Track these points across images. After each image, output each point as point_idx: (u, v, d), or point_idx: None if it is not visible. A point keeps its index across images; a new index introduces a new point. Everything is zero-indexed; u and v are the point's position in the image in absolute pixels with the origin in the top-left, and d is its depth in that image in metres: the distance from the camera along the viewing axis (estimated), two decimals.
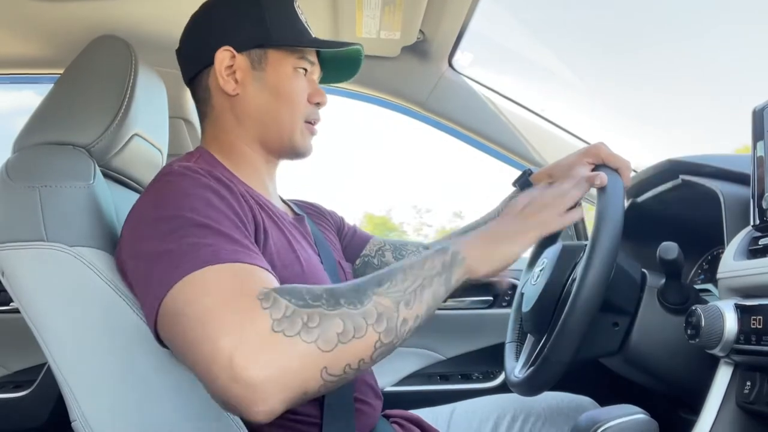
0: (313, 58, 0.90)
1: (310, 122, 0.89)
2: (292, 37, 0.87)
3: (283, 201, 0.97)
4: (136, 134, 0.89)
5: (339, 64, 0.96)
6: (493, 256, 0.71)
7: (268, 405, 0.53)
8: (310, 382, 0.55)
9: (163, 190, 0.70)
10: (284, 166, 0.94)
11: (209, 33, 0.86)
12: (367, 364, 0.59)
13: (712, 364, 0.80)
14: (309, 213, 1.01)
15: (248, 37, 0.85)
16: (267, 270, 0.64)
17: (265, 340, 0.54)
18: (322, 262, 0.86)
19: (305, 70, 0.88)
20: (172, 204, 0.67)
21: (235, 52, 0.84)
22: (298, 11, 0.90)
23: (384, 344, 0.59)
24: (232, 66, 0.84)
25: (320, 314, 0.57)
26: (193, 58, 0.88)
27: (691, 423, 0.79)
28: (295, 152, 0.89)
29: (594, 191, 0.92)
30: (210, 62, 0.85)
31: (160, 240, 0.64)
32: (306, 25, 0.90)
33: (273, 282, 0.62)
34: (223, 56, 0.84)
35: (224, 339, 0.54)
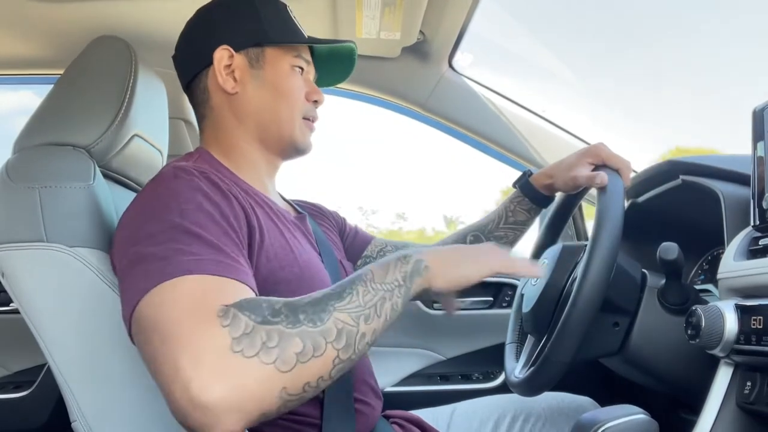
0: (309, 57, 0.92)
1: (309, 119, 0.90)
2: (289, 35, 0.88)
3: (285, 200, 0.97)
4: (136, 135, 0.89)
5: (333, 66, 0.97)
6: (455, 272, 0.68)
7: (224, 427, 0.52)
8: (267, 403, 0.54)
9: (155, 191, 0.69)
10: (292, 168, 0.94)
11: (207, 34, 0.87)
12: (326, 381, 0.58)
13: (713, 364, 0.80)
14: (311, 213, 1.01)
15: (245, 36, 0.86)
16: (246, 284, 0.62)
17: (223, 361, 0.52)
18: (323, 261, 0.86)
19: (301, 69, 0.89)
20: (162, 206, 0.66)
21: (233, 51, 0.85)
22: (291, 14, 0.92)
23: (342, 360, 0.58)
24: (230, 65, 0.85)
25: (279, 332, 0.55)
26: (192, 60, 0.88)
27: (692, 423, 0.79)
28: (296, 148, 0.90)
29: (594, 191, 0.92)
30: (208, 63, 0.86)
31: (145, 242, 0.63)
32: (299, 26, 0.91)
33: (246, 296, 0.61)
34: (222, 55, 0.85)
35: (183, 358, 0.52)
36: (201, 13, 0.90)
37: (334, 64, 0.97)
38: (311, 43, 0.90)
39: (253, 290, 0.63)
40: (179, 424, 0.62)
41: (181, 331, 0.54)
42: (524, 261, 0.75)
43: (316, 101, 0.90)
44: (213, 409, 0.51)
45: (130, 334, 0.63)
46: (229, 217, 0.68)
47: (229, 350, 0.53)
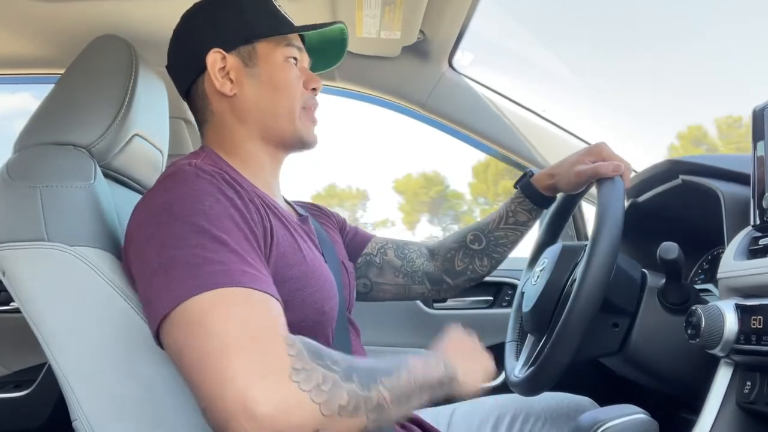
0: (300, 45, 0.90)
1: (309, 108, 0.89)
2: (277, 26, 0.88)
3: (287, 202, 0.97)
4: (136, 134, 0.89)
5: (326, 50, 0.96)
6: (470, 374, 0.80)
7: None
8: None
9: (175, 189, 0.69)
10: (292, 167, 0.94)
11: (195, 40, 0.86)
12: None
13: (713, 364, 0.80)
14: (312, 213, 1.01)
15: (234, 35, 0.85)
16: (273, 296, 0.65)
17: (283, 384, 0.57)
18: (326, 262, 0.86)
19: (295, 59, 0.88)
20: (187, 207, 0.67)
21: (224, 52, 0.84)
22: (276, 4, 0.90)
23: (367, 428, 0.63)
24: (224, 67, 0.84)
25: (334, 380, 0.60)
26: (185, 68, 0.87)
27: (692, 423, 0.79)
28: (301, 142, 0.89)
29: (594, 191, 0.92)
30: (202, 68, 0.85)
31: (174, 245, 0.64)
32: (286, 15, 0.90)
33: (281, 309, 0.65)
34: (214, 58, 0.84)
35: (242, 368, 0.57)
36: (186, 19, 0.89)
37: (327, 48, 0.96)
38: (300, 31, 0.89)
39: (277, 299, 0.66)
40: (185, 421, 0.63)
41: (241, 343, 0.58)
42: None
43: (314, 89, 0.89)
44: (259, 422, 0.55)
45: (156, 334, 0.65)
46: (249, 221, 0.70)
47: (288, 376, 0.57)
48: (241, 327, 0.59)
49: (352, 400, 0.60)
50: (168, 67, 0.90)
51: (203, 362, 0.59)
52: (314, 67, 0.96)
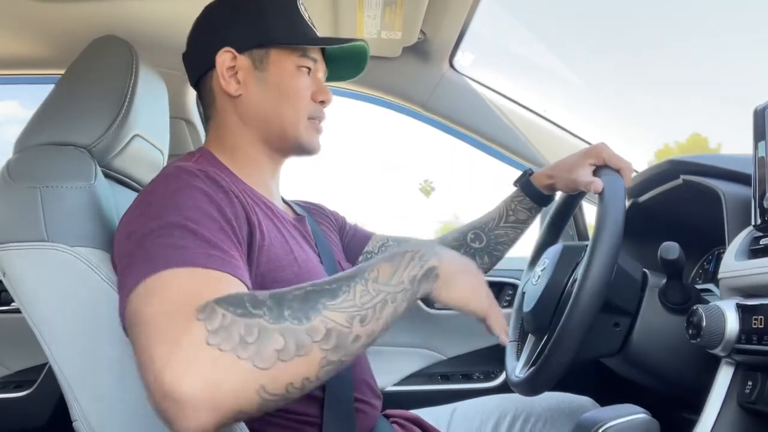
0: (317, 55, 0.90)
1: (315, 119, 0.88)
2: (294, 35, 0.87)
3: (285, 201, 0.97)
4: (137, 135, 0.89)
5: (345, 61, 0.96)
6: (460, 292, 0.66)
7: (196, 422, 0.50)
8: (244, 400, 0.51)
9: (155, 192, 0.69)
10: (292, 166, 0.94)
11: (210, 35, 0.86)
12: (312, 383, 0.55)
13: (714, 363, 0.80)
14: (311, 213, 1.01)
15: (248, 37, 0.85)
16: (238, 278, 0.61)
17: (198, 353, 0.50)
18: (322, 262, 0.86)
19: (308, 69, 0.88)
20: (158, 205, 0.66)
21: (236, 53, 0.84)
22: (301, 8, 0.90)
23: (331, 362, 0.55)
24: (234, 67, 0.84)
25: (260, 327, 0.52)
26: (196, 61, 0.88)
27: (693, 423, 0.79)
28: (301, 149, 0.88)
29: None
30: (212, 65, 0.85)
31: (141, 240, 0.63)
32: (309, 22, 0.90)
33: (236, 290, 0.59)
34: (224, 57, 0.84)
35: (158, 349, 0.51)
36: (206, 13, 0.89)
37: (345, 60, 0.95)
38: (317, 44, 0.89)
39: (244, 283, 0.62)
40: None
41: (159, 323, 0.53)
42: (502, 321, 0.70)
43: (323, 101, 0.89)
44: (184, 402, 0.49)
45: (125, 330, 0.62)
46: (227, 214, 0.68)
47: (203, 343, 0.51)
48: (161, 308, 0.54)
49: (290, 339, 0.52)
50: (184, 55, 0.91)
51: (136, 351, 0.55)
52: (331, 76, 0.96)
